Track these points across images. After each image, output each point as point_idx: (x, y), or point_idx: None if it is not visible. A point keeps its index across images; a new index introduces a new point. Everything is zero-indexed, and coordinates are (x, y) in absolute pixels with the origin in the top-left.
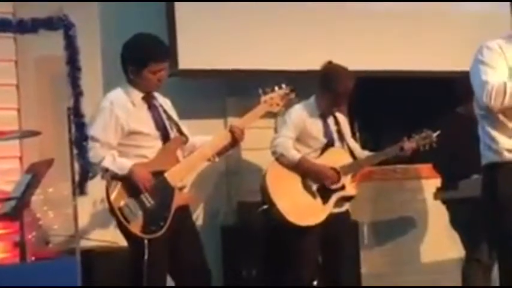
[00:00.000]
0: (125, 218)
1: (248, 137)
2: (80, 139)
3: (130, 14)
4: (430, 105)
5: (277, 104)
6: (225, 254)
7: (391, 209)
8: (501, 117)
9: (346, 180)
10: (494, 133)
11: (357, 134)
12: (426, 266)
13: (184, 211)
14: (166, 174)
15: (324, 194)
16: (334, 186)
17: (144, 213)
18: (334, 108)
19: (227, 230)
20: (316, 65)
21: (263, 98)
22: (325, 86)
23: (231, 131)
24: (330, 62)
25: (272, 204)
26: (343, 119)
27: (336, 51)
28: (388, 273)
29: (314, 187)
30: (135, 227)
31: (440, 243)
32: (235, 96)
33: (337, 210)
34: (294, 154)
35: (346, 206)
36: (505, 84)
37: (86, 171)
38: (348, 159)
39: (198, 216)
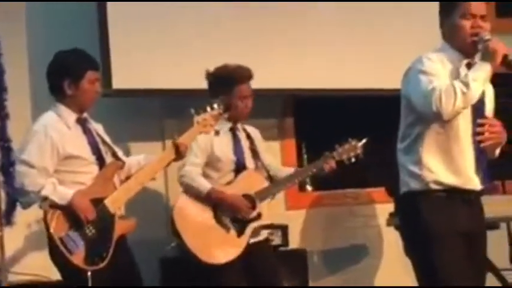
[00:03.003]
0: (67, 249)
1: None
2: (6, 165)
3: (60, 32)
4: (383, 123)
5: (211, 125)
6: (165, 286)
7: (343, 236)
8: (434, 140)
9: (262, 207)
10: (424, 158)
11: (305, 156)
12: None
13: (122, 241)
14: (106, 202)
15: (239, 225)
16: (249, 217)
17: (86, 244)
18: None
19: (166, 261)
20: (257, 83)
21: (196, 119)
22: None
23: (176, 145)
24: None
25: (182, 242)
26: (255, 133)
27: (279, 68)
28: None
29: (227, 219)
30: (78, 259)
31: (394, 271)
32: (173, 118)
33: (254, 239)
34: (202, 185)
35: (264, 234)
36: (453, 85)
37: (13, 199)
38: (264, 183)
39: (136, 246)
